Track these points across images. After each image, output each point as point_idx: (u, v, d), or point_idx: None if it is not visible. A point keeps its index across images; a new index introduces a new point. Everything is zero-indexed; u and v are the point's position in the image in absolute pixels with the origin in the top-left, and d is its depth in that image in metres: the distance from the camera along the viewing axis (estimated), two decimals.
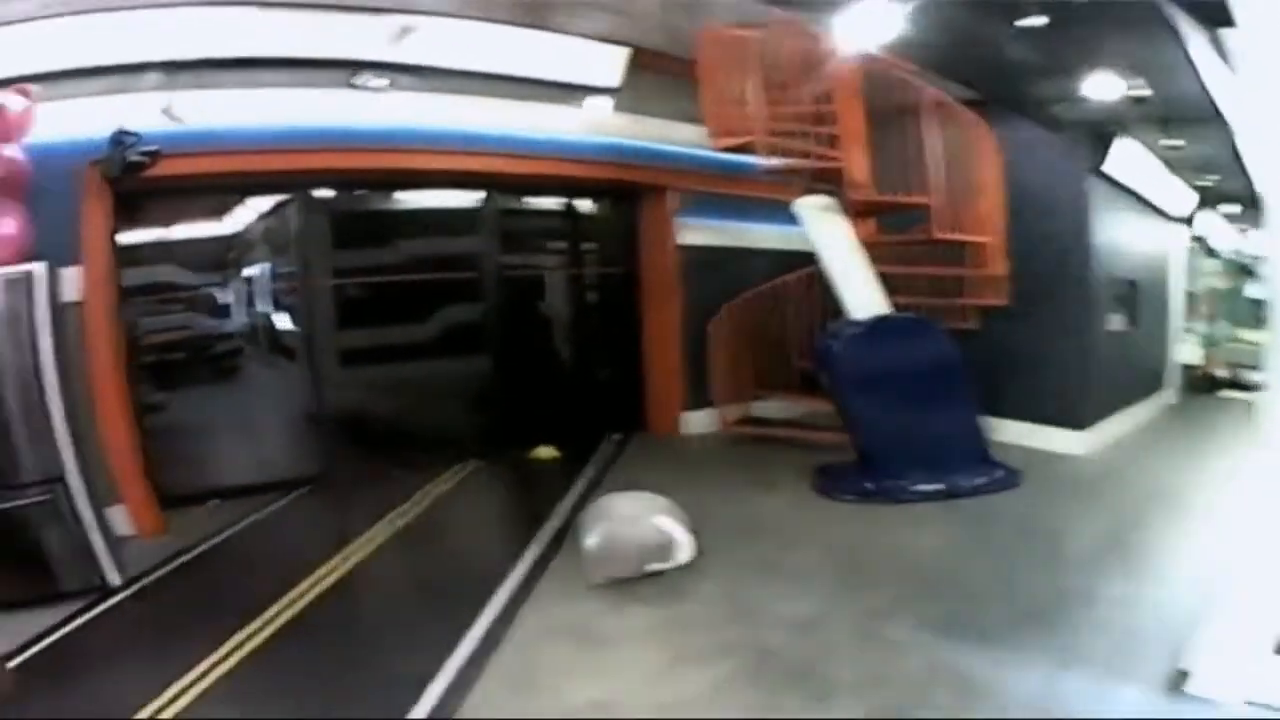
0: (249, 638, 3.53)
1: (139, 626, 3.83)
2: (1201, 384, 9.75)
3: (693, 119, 6.02)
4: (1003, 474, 5.21)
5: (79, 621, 3.79)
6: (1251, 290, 10.89)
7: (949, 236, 5.35)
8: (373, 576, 4.29)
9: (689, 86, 5.56)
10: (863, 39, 4.77)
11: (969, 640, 3.15)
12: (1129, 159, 6.75)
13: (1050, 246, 6.13)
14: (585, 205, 7.40)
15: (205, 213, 5.77)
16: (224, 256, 5.82)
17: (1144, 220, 7.82)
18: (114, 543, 4.42)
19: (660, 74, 6.36)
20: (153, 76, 4.77)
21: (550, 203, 7.28)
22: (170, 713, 2.94)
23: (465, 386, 6.67)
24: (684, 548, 3.96)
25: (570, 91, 6.30)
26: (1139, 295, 7.56)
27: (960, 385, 5.22)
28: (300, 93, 5.23)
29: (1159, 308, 8.49)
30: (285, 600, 3.89)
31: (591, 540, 3.90)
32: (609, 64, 6.23)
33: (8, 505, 3.85)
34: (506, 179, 6.19)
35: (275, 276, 5.92)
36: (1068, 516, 4.68)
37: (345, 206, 6.21)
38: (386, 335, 6.35)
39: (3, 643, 3.50)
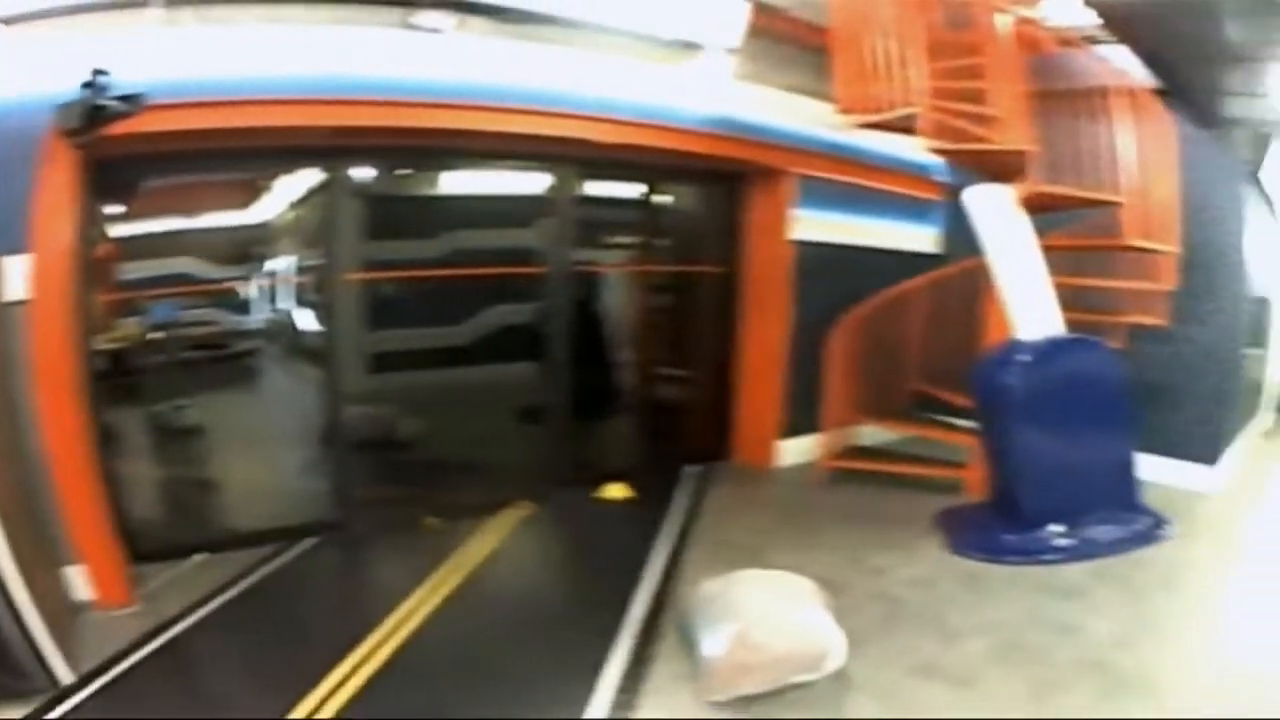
0: None
1: None
2: None
3: (811, 92, 5.13)
4: (1150, 523, 4.57)
5: None
6: None
7: (1140, 244, 4.51)
8: (408, 670, 3.23)
9: (808, 55, 4.61)
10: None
11: None
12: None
13: (1201, 258, 5.29)
14: (670, 193, 6.34)
15: (227, 198, 4.84)
16: (248, 248, 4.86)
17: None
18: (67, 622, 3.29)
19: (774, 38, 5.40)
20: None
21: (629, 190, 6.18)
22: None
23: (514, 404, 5.61)
24: (838, 653, 3.09)
25: (672, 49, 5.20)
26: (1267, 314, 6.74)
27: (1124, 421, 4.54)
28: (339, 32, 4.08)
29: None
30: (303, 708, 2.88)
31: (715, 647, 2.97)
32: (724, 20, 5.18)
33: None
34: (586, 149, 4.88)
35: (301, 270, 4.94)
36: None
37: (384, 190, 5.15)
38: (420, 339, 5.35)
39: None
